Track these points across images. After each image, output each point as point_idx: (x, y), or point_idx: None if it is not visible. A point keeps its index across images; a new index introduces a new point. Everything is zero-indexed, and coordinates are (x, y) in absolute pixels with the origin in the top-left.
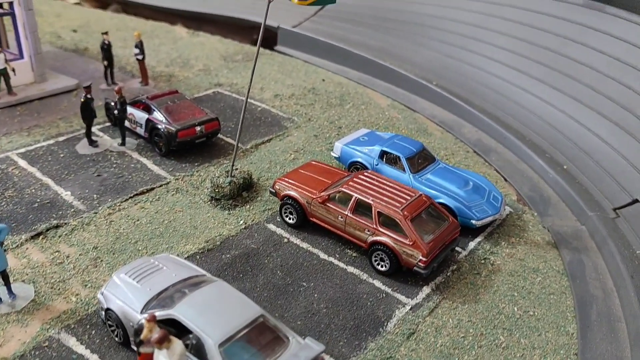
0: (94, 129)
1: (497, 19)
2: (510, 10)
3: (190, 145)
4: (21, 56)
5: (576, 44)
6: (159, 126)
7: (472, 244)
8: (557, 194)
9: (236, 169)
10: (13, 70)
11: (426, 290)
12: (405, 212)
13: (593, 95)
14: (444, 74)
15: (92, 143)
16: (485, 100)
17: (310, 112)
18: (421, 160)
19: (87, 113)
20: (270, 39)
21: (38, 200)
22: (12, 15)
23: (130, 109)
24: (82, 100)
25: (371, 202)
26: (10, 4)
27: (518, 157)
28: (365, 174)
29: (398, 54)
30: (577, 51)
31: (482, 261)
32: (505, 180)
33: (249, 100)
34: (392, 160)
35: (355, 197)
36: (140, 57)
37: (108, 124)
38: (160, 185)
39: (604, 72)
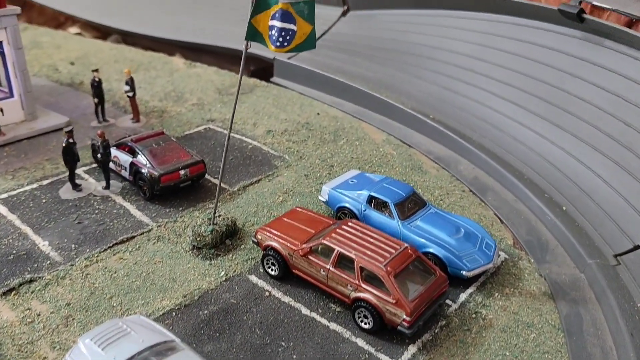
0: (79, 170)
1: (493, 50)
2: (507, 42)
3: (175, 189)
4: (11, 95)
5: (575, 78)
6: (143, 170)
7: (463, 296)
8: (555, 238)
9: (219, 216)
10: (1, 110)
11: (412, 349)
12: (389, 268)
13: (593, 133)
14: (441, 106)
15: (76, 187)
16: (483, 135)
17: (303, 149)
18: (411, 205)
19: (70, 157)
20: (266, 70)
21: (14, 251)
22: (2, 54)
23: (114, 152)
24: (64, 145)
25: (353, 257)
26: (0, 43)
27: (516, 196)
28: (350, 224)
29: (394, 85)
30: (576, 86)
31: (473, 315)
32: (502, 222)
33: (241, 137)
34: (381, 206)
35: (338, 251)
36: (130, 94)
37: (94, 165)
38: (142, 233)
39: (604, 108)
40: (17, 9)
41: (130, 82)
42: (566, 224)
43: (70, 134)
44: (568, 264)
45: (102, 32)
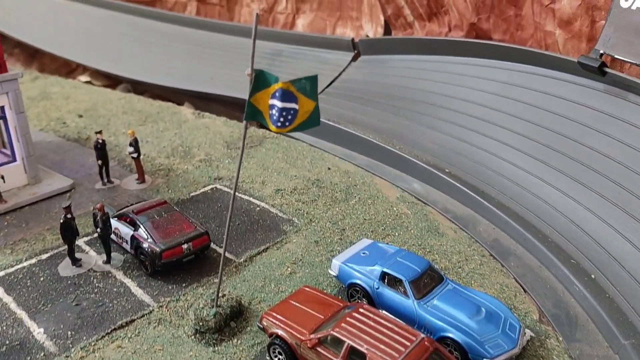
0: (80, 241)
1: (510, 100)
2: (524, 92)
3: (178, 264)
4: (14, 159)
5: (599, 133)
6: (144, 245)
7: None
8: (585, 311)
9: (223, 296)
10: (2, 177)
11: None
12: None
13: (621, 193)
14: (457, 160)
15: (75, 262)
16: (502, 192)
17: (313, 210)
18: (427, 281)
19: (68, 233)
20: None
21: (7, 342)
22: (4, 119)
23: (115, 223)
24: (62, 220)
25: (365, 351)
26: (2, 108)
27: (540, 262)
28: (361, 310)
29: (408, 136)
30: (600, 141)
31: None
32: (526, 291)
33: (248, 198)
34: (395, 283)
35: (348, 344)
36: (135, 155)
37: (96, 234)
38: (142, 316)
39: (632, 167)
40: (18, 74)
41: (135, 144)
42: (596, 296)
43: (68, 209)
44: (600, 343)
45: (112, 79)
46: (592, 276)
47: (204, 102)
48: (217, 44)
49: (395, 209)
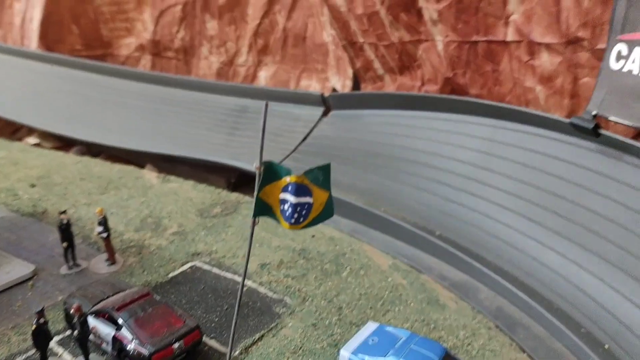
0: (52, 342)
1: (499, 159)
2: (514, 150)
3: None
4: None
5: (595, 194)
6: (129, 347)
7: None
8: None
9: None
10: None
11: None
12: None
13: (624, 256)
14: (447, 221)
15: None
16: (499, 255)
17: (304, 286)
18: None
19: (42, 340)
20: (248, 182)
21: None
22: None
23: (92, 321)
24: (34, 326)
25: None
26: None
27: (549, 332)
28: None
29: (392, 197)
30: (598, 202)
31: None
32: None
33: (232, 276)
34: None
35: None
36: (104, 235)
37: (69, 331)
38: None
39: (633, 229)
40: None
41: (104, 222)
42: None
43: (41, 313)
44: None
45: (64, 140)
46: (606, 346)
47: (168, 163)
48: (176, 100)
49: (390, 279)
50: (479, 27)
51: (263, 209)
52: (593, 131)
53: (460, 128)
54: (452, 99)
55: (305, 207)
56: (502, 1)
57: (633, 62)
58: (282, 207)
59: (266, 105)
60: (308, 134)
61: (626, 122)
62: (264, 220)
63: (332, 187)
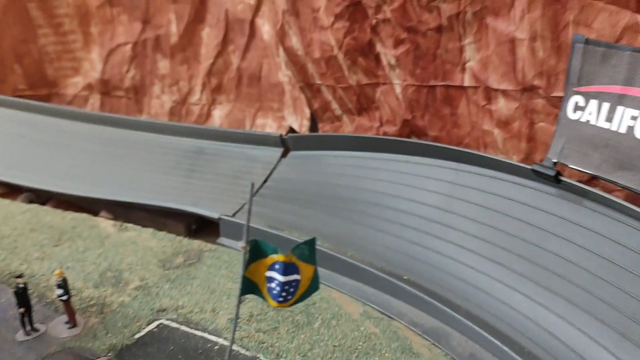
0: None
1: (462, 202)
2: (476, 194)
3: None
4: None
5: (558, 238)
6: None
7: None
8: None
9: None
10: None
11: None
12: None
13: (589, 299)
14: (413, 265)
15: None
16: (467, 298)
17: (277, 341)
18: None
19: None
20: (209, 227)
21: None
22: None
23: None
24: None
25: None
26: None
27: None
28: None
29: (357, 241)
30: (561, 246)
31: None
32: None
33: (202, 334)
34: None
35: None
36: (65, 297)
37: None
38: None
39: (597, 273)
40: None
41: (64, 285)
42: None
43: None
44: None
45: (10, 187)
46: None
47: (123, 208)
48: (129, 141)
49: (362, 328)
50: (436, 72)
51: (249, 287)
52: (554, 178)
53: (422, 171)
54: (412, 142)
55: (293, 284)
56: (459, 49)
57: (590, 113)
58: (269, 285)
59: (252, 186)
60: (268, 176)
61: (587, 171)
62: (229, 271)
63: (297, 232)
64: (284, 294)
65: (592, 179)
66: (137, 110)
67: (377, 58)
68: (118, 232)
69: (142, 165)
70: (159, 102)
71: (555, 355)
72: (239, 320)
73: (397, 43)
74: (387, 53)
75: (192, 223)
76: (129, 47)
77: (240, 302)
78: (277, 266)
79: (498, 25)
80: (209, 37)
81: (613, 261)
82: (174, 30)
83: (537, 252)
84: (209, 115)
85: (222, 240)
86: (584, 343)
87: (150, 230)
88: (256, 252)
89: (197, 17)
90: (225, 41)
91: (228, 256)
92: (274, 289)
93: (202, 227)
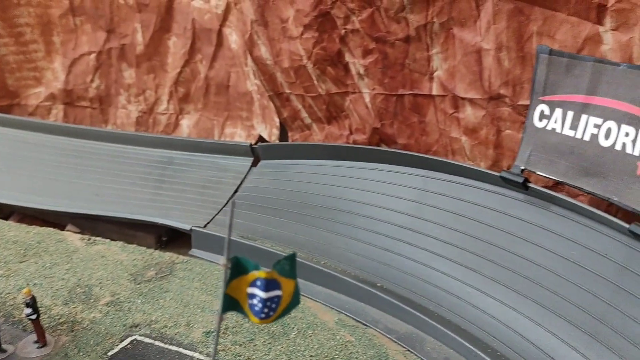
0: None
1: (432, 209)
2: (447, 200)
3: None
4: None
5: (527, 242)
6: None
7: None
8: None
9: None
10: None
11: None
12: None
13: (559, 302)
14: (386, 272)
15: None
16: (439, 304)
17: (253, 353)
18: None
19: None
20: (180, 239)
21: None
22: None
23: None
24: None
25: None
26: None
27: None
28: None
29: (330, 250)
30: (530, 250)
31: None
32: None
33: (177, 349)
34: None
35: None
36: (33, 317)
37: None
38: None
39: (565, 276)
40: None
41: (32, 304)
42: None
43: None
44: None
45: None
46: None
47: (91, 222)
48: (95, 153)
49: (338, 337)
50: (405, 81)
51: (231, 304)
52: (522, 185)
53: (392, 178)
54: (382, 150)
55: (275, 300)
56: (427, 58)
57: (555, 121)
58: (250, 302)
59: (233, 204)
60: (239, 186)
61: (554, 177)
62: (202, 283)
63: (269, 242)
64: (266, 310)
65: (556, 185)
66: (102, 121)
67: (346, 67)
68: (86, 246)
69: (109, 177)
70: (125, 112)
71: (527, 356)
72: (214, 333)
73: (366, 53)
74: (356, 62)
75: (162, 235)
76: (93, 56)
77: (221, 319)
78: (258, 282)
79: (464, 36)
80: (175, 46)
81: (580, 264)
82: (140, 39)
83: (506, 257)
84: (176, 124)
85: (194, 251)
86: (554, 344)
87: (120, 243)
88: (237, 268)
89: (163, 26)
90: (192, 50)
91: (201, 268)
92: (255, 305)
93: (173, 239)
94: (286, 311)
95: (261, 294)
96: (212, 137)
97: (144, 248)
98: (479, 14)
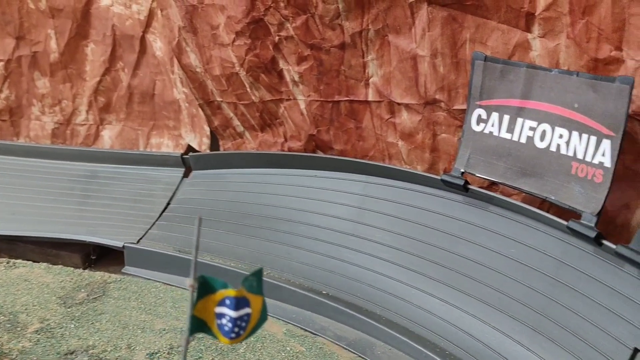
0: None
1: (374, 213)
2: (388, 205)
3: None
4: None
5: (468, 242)
6: None
7: None
8: None
9: None
10: None
11: None
12: None
13: (501, 298)
14: (331, 279)
15: None
16: (386, 307)
17: None
18: None
19: None
20: (110, 256)
21: None
22: None
23: None
24: None
25: None
26: None
27: None
28: None
29: (273, 260)
30: (471, 250)
31: None
32: None
33: None
34: None
35: None
36: None
37: None
38: None
39: (505, 272)
40: None
41: None
42: None
43: None
44: None
45: None
46: None
47: (7, 243)
48: (6, 168)
49: (288, 348)
50: (340, 87)
51: (198, 326)
52: (463, 187)
53: (331, 185)
54: (319, 157)
55: (245, 318)
56: (362, 65)
57: (492, 125)
58: (219, 322)
59: (199, 221)
60: (172, 198)
61: (493, 179)
62: (140, 302)
63: (209, 254)
64: (236, 329)
65: (492, 185)
66: (13, 134)
67: (280, 74)
68: (5, 269)
69: (27, 194)
70: (40, 124)
71: (474, 353)
72: (158, 354)
73: (301, 60)
74: (290, 69)
75: (91, 253)
76: (0, 65)
77: (188, 342)
78: (227, 301)
79: (400, 42)
80: (94, 53)
81: (520, 261)
82: (54, 46)
83: (449, 258)
84: (97, 136)
85: (128, 269)
86: (499, 339)
87: (44, 264)
88: (205, 288)
89: (80, 33)
90: (113, 58)
91: (136, 286)
92: (225, 325)
93: (102, 257)
94: (255, 328)
95: (231, 312)
96: (136, 148)
97: (71, 268)
98: (414, 22)
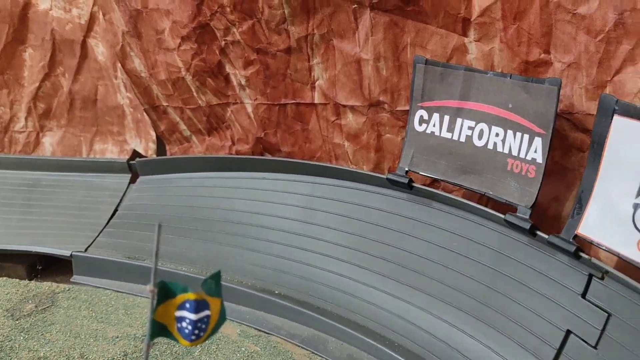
0: None
1: (322, 213)
2: (335, 204)
3: None
4: None
5: (413, 238)
6: None
7: None
8: None
9: None
10: None
11: None
12: None
13: (446, 290)
14: (283, 278)
15: None
16: (337, 304)
17: None
18: None
19: None
20: (58, 266)
21: None
22: None
23: None
24: None
25: None
26: None
27: None
28: None
29: (224, 262)
30: (416, 245)
31: None
32: None
33: None
34: None
35: None
36: None
37: None
38: None
39: (449, 265)
40: None
41: None
42: None
43: None
44: None
45: None
46: None
47: None
48: None
49: (243, 349)
50: (287, 91)
51: (158, 330)
52: (407, 185)
53: (280, 186)
54: (266, 159)
55: (205, 320)
56: (308, 69)
57: (434, 125)
58: (179, 325)
59: (159, 227)
60: (119, 204)
61: (435, 176)
62: (91, 311)
63: (160, 259)
64: (196, 331)
65: (434, 182)
66: None
67: (227, 79)
68: None
69: None
70: None
71: (422, 343)
72: None
73: (247, 64)
74: (237, 74)
75: (36, 263)
76: None
77: (149, 347)
78: (187, 305)
79: (344, 47)
80: (32, 58)
81: (461, 253)
82: None
83: (395, 253)
84: (37, 143)
85: (77, 278)
86: (445, 329)
87: None
88: (165, 293)
89: (17, 38)
90: (52, 63)
91: (86, 295)
92: (185, 328)
93: (49, 266)
94: (215, 329)
95: (191, 315)
96: (79, 154)
97: (17, 280)
98: (358, 27)
